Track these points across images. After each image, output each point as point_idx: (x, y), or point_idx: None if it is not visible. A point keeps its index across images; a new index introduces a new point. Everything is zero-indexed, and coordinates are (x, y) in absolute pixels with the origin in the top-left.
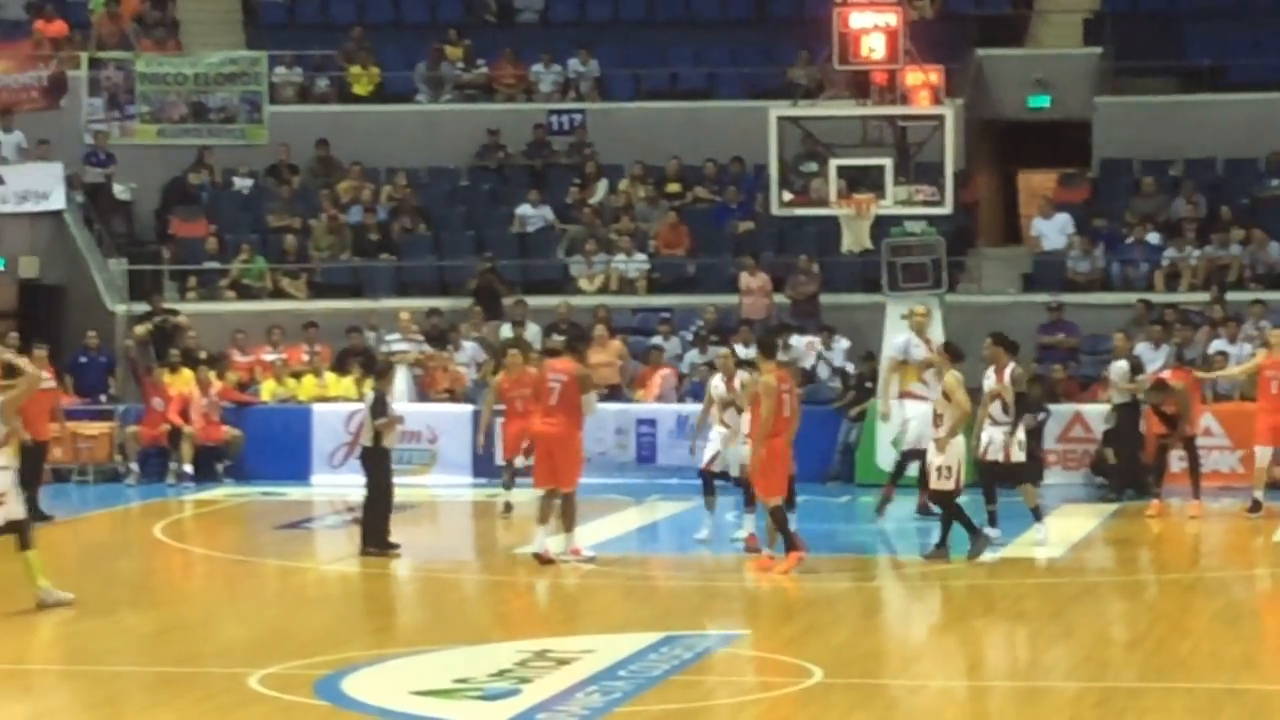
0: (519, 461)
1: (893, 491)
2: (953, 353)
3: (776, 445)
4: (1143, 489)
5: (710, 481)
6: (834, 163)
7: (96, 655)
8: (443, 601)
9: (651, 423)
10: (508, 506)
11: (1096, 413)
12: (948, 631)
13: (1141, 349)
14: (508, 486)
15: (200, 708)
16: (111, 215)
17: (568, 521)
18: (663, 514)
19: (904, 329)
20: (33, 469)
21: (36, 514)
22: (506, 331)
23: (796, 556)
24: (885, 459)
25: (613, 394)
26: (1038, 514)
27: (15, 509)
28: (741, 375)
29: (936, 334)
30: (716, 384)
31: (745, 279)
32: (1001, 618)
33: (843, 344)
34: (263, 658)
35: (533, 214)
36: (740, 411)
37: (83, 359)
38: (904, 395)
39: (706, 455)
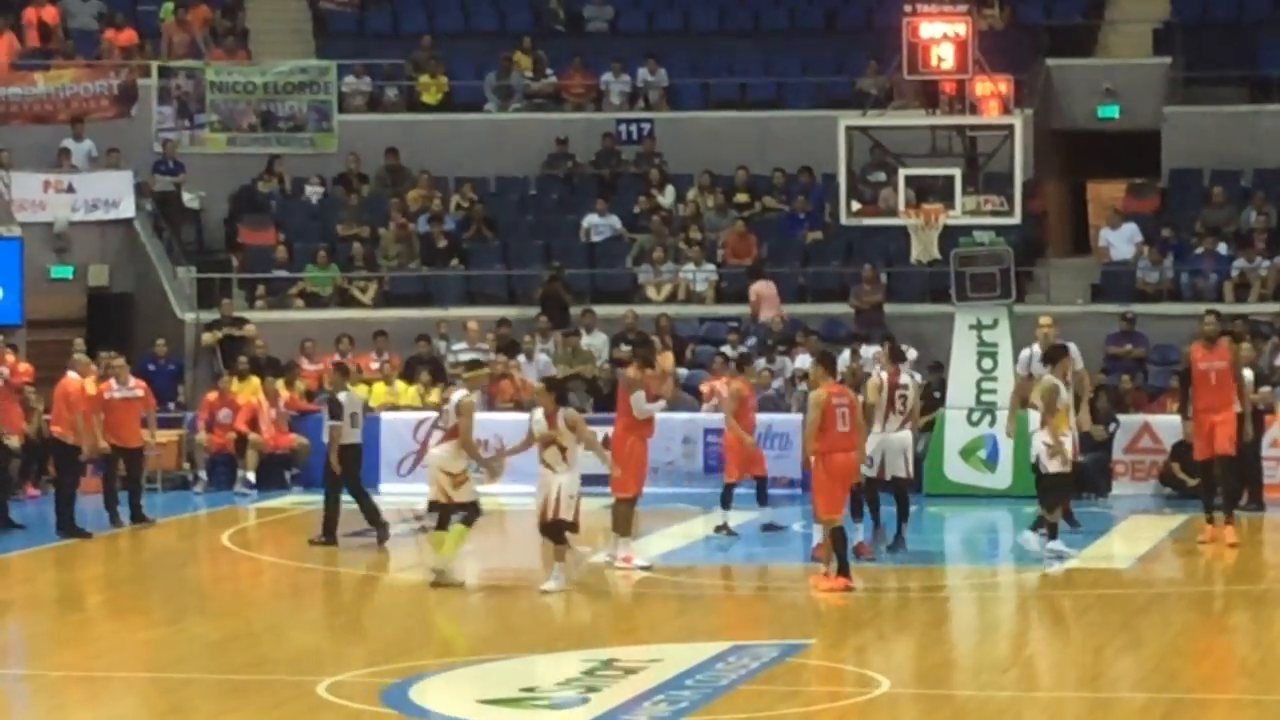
0: None
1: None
2: (893, 353)
3: (835, 462)
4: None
5: (561, 531)
6: (903, 172)
7: (164, 662)
8: (510, 611)
9: (719, 432)
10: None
11: (1165, 424)
12: (1015, 642)
13: None
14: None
15: (268, 715)
16: (181, 224)
17: (622, 527)
18: (731, 523)
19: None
20: (133, 475)
21: (115, 522)
22: (592, 341)
23: (844, 584)
24: (953, 470)
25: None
26: (1054, 531)
27: (468, 492)
28: (568, 412)
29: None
30: (538, 419)
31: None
32: (1069, 628)
33: (910, 354)
34: (330, 665)
35: (601, 223)
36: (563, 450)
37: (151, 367)
38: (1031, 407)
39: (538, 503)
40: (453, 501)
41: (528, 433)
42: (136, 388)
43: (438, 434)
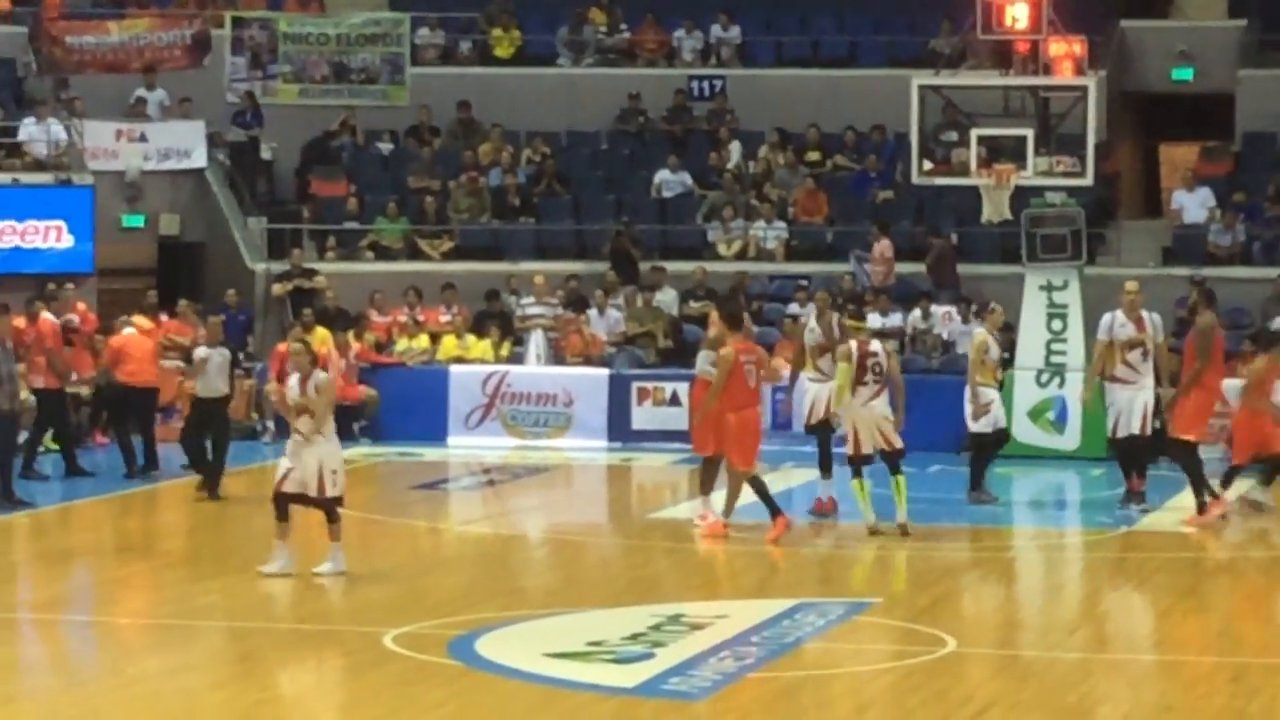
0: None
1: (1139, 483)
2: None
3: (748, 417)
4: None
5: (286, 505)
6: (975, 132)
7: (233, 611)
8: (577, 565)
9: (784, 390)
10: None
11: (1235, 388)
12: (1082, 603)
13: None
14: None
15: (335, 665)
16: (253, 174)
17: (705, 486)
18: (797, 481)
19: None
20: (220, 425)
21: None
22: (662, 297)
23: (784, 522)
24: (1021, 431)
25: None
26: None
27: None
28: (318, 376)
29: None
30: (292, 385)
31: (876, 247)
32: (1137, 590)
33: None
34: (397, 617)
35: (672, 179)
36: (314, 416)
37: (221, 317)
38: (1109, 379)
39: (280, 473)
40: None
41: (280, 399)
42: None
43: (867, 388)
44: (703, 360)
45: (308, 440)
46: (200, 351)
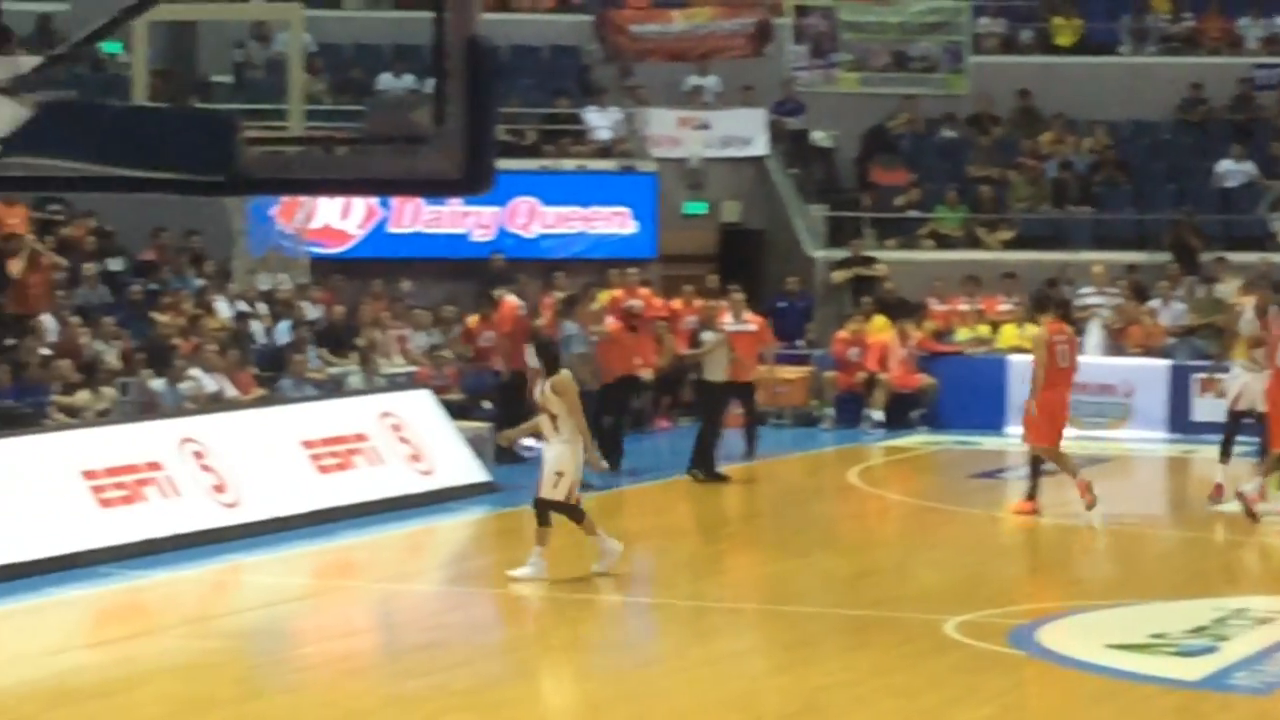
0: None
1: None
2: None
3: (1052, 397)
4: None
5: (547, 512)
6: None
7: (792, 596)
8: (1136, 556)
9: None
10: None
11: None
12: None
13: None
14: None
15: (896, 652)
16: (811, 162)
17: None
18: None
19: None
20: (748, 410)
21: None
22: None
23: (1030, 507)
24: None
25: None
26: None
27: None
28: (553, 377)
29: None
30: (540, 385)
31: None
32: None
33: None
34: (958, 605)
35: (1235, 169)
36: (553, 418)
37: (781, 304)
38: None
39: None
40: None
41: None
42: (751, 322)
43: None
44: None
45: (547, 441)
46: (708, 335)
